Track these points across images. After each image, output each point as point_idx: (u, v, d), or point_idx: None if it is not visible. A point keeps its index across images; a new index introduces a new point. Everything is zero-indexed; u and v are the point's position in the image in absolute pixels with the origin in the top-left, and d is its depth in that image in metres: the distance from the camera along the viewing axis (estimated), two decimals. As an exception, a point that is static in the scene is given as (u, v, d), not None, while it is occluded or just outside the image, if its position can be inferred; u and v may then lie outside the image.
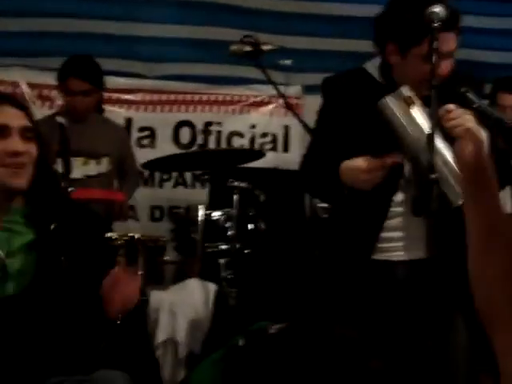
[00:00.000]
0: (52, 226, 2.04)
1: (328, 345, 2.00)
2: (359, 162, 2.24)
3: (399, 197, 2.38)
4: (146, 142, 4.88)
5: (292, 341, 1.99)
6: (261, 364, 1.96)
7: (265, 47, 3.35)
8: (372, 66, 2.42)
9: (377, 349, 2.09)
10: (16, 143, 1.98)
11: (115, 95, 4.79)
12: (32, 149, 2.02)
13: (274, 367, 1.99)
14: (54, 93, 4.66)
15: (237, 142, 4.96)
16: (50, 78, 4.65)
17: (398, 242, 2.38)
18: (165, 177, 4.88)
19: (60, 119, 3.05)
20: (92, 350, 2.09)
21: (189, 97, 4.96)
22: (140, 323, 3.54)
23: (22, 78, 4.70)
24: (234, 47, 3.40)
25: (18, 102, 2.11)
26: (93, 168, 3.74)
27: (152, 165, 3.94)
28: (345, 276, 2.37)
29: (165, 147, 4.78)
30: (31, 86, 4.71)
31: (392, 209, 2.37)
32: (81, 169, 3.66)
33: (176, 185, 4.92)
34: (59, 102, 4.54)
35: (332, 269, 2.43)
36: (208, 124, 4.97)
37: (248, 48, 3.33)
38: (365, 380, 1.99)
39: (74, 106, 3.71)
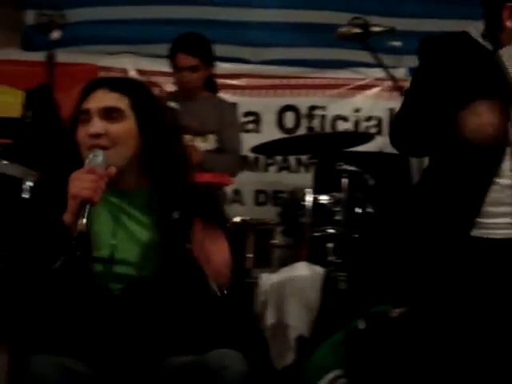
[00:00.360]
0: (176, 215, 2.05)
1: (451, 332, 1.95)
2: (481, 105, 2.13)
3: (507, 165, 2.22)
4: (250, 126, 4.91)
5: (414, 325, 1.96)
6: (383, 348, 1.95)
7: (374, 29, 3.31)
8: (475, 31, 2.36)
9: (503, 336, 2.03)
10: (93, 125, 1.98)
11: (221, 80, 4.83)
12: (114, 129, 1.99)
13: (397, 351, 1.96)
14: (163, 79, 4.76)
15: (341, 126, 4.93)
16: (159, 65, 4.76)
17: (503, 217, 2.23)
18: (269, 161, 4.91)
19: (172, 104, 3.10)
20: (205, 329, 2.12)
21: (293, 81, 4.96)
22: (248, 304, 3.59)
23: (130, 65, 4.82)
24: (342, 29, 3.39)
25: (113, 82, 2.09)
26: (199, 146, 3.78)
27: (258, 149, 3.96)
28: (440, 255, 2.21)
29: (269, 132, 4.80)
30: (140, 72, 4.81)
31: (498, 179, 2.22)
32: None
33: (280, 169, 4.94)
34: (168, 88, 4.64)
35: (428, 247, 2.25)
36: (312, 108, 4.96)
37: (357, 30, 3.31)
38: (493, 368, 1.93)
39: (182, 81, 3.75)
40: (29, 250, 1.89)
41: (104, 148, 1.97)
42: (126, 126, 2.01)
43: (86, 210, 1.83)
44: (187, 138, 3.72)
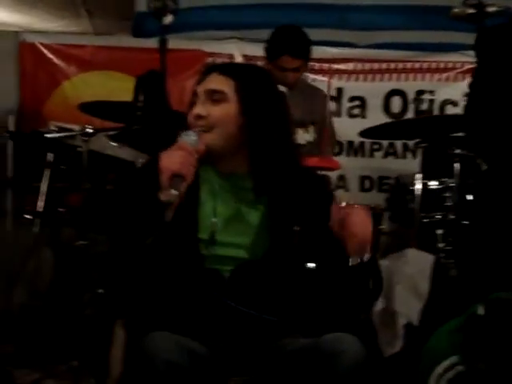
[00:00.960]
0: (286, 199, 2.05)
1: None
2: None
3: None
4: (356, 111, 4.86)
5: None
6: (504, 335, 1.88)
7: (489, 9, 3.19)
8: None
9: None
10: (197, 107, 2.04)
11: (326, 65, 4.81)
12: (215, 111, 2.02)
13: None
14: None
15: (450, 111, 4.80)
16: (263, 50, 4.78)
17: None
18: (375, 147, 4.84)
19: (282, 88, 3.08)
20: (319, 312, 2.11)
21: (400, 65, 4.87)
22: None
23: (237, 51, 4.84)
24: (456, 10, 3.27)
25: (224, 67, 2.16)
26: (301, 137, 3.76)
27: (365, 134, 3.90)
28: None
29: (375, 117, 4.74)
30: (246, 58, 4.83)
31: None
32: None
33: (386, 155, 4.86)
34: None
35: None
36: (420, 92, 4.86)
37: (471, 10, 3.19)
38: None
39: (284, 81, 3.71)
40: (125, 228, 1.94)
41: (205, 130, 2.01)
42: (227, 109, 2.03)
43: (178, 183, 1.87)
44: None
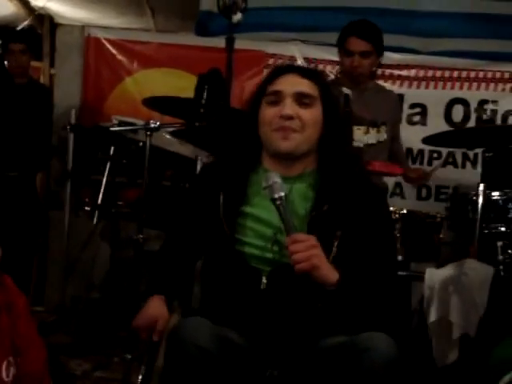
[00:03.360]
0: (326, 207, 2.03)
1: None
2: None
3: None
4: (416, 118, 4.82)
5: None
6: None
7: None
8: None
9: None
10: (286, 107, 2.03)
11: (388, 71, 4.78)
12: (305, 114, 2.04)
13: None
14: (329, 67, 4.77)
15: (513, 122, 4.73)
16: (325, 53, 4.78)
17: None
18: (434, 155, 4.79)
19: (346, 90, 3.06)
20: (357, 314, 2.08)
21: (464, 73, 4.82)
22: (405, 298, 3.51)
23: (298, 53, 4.85)
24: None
25: (304, 69, 2.15)
26: (373, 136, 3.74)
27: (426, 141, 3.83)
28: None
29: (436, 124, 4.69)
30: (307, 60, 4.82)
31: None
32: (362, 137, 3.66)
33: (445, 164, 4.80)
34: (331, 77, 4.63)
35: None
36: (483, 102, 4.80)
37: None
38: None
39: (351, 66, 3.67)
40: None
41: (294, 131, 2.02)
42: (315, 113, 2.07)
43: None
44: (362, 129, 3.69)
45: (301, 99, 2.05)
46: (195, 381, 1.76)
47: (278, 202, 1.90)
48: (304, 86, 2.07)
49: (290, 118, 2.02)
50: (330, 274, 1.92)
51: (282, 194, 1.90)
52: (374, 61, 3.74)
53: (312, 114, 2.06)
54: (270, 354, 1.96)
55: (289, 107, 2.03)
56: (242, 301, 1.99)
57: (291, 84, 2.07)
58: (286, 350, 1.97)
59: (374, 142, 3.71)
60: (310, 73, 2.13)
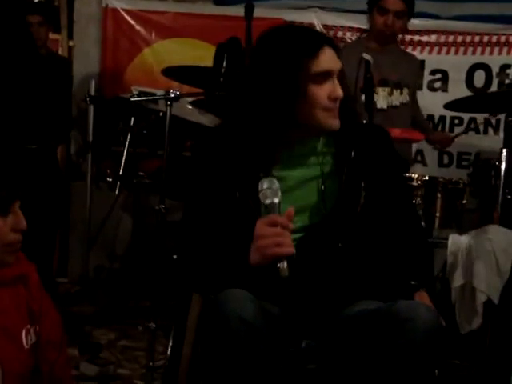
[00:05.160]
0: (352, 153, 2.04)
1: None
2: None
3: None
4: (437, 85, 4.77)
5: None
6: None
7: None
8: None
9: None
10: (337, 88, 1.99)
11: (408, 37, 4.72)
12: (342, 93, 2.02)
13: None
14: (348, 34, 4.73)
15: (536, 86, 4.66)
16: (344, 20, 4.73)
17: None
18: (456, 121, 4.75)
19: (367, 56, 3.03)
20: (392, 278, 2.08)
21: (485, 38, 4.75)
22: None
23: (317, 20, 4.79)
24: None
25: (333, 42, 2.08)
26: (396, 98, 3.72)
27: (448, 106, 3.79)
28: None
29: (457, 91, 4.63)
30: (326, 27, 4.77)
31: None
32: (386, 99, 3.66)
33: (467, 130, 4.75)
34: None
35: None
36: (505, 67, 4.73)
37: None
38: None
39: (386, 24, 3.63)
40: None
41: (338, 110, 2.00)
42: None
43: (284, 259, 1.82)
44: (386, 90, 3.68)
45: (341, 77, 2.02)
46: (242, 355, 1.73)
47: (269, 208, 1.85)
48: (339, 62, 2.03)
49: (339, 99, 2.00)
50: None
51: (276, 200, 1.85)
52: (405, 23, 3.72)
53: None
54: (306, 325, 1.95)
55: (339, 88, 1.99)
56: (274, 272, 1.94)
57: (334, 61, 2.01)
58: (322, 319, 1.96)
59: (398, 103, 3.71)
60: (337, 46, 2.07)
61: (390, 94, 3.70)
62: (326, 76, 1.98)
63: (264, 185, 1.86)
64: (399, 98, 3.73)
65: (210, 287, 1.96)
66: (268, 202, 1.84)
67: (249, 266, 1.87)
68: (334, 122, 2.00)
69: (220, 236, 1.97)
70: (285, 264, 1.80)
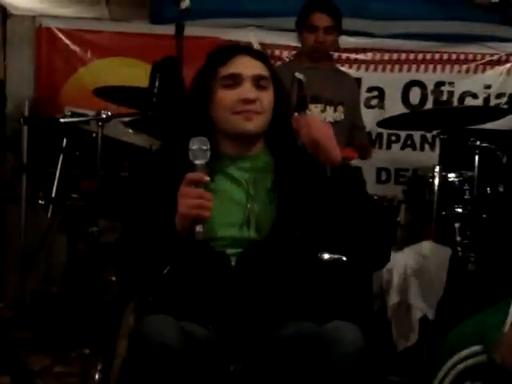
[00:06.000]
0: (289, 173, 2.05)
1: None
2: None
3: None
4: (374, 102, 4.81)
5: None
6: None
7: (514, -2, 3.13)
8: None
9: None
10: (247, 91, 2.01)
11: (345, 54, 4.77)
12: (264, 97, 2.04)
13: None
14: (285, 53, 4.74)
15: (470, 103, 4.74)
16: (281, 38, 4.75)
17: None
18: (393, 138, 4.80)
19: (299, 75, 3.04)
20: (323, 298, 2.08)
21: (420, 56, 4.82)
22: (367, 281, 3.51)
23: (254, 39, 4.80)
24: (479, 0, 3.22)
25: (254, 51, 2.13)
26: (330, 115, 3.73)
27: (383, 124, 3.84)
28: None
29: (393, 108, 4.68)
30: (263, 45, 4.78)
31: None
32: (319, 115, 3.65)
33: (404, 146, 4.81)
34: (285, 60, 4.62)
35: None
36: (439, 84, 4.81)
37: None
38: None
39: (316, 41, 3.67)
40: (139, 250, 1.94)
41: (256, 113, 2.01)
42: (271, 95, 2.08)
43: (200, 224, 1.84)
44: (318, 107, 3.68)
45: (258, 82, 2.04)
46: (161, 380, 1.72)
47: (196, 168, 1.89)
48: (260, 68, 2.06)
49: (253, 101, 2.01)
50: (335, 152, 1.96)
51: (203, 162, 1.89)
52: (335, 38, 3.75)
53: (270, 96, 2.06)
54: (235, 347, 1.93)
55: (250, 91, 2.01)
56: (209, 289, 1.96)
57: (248, 66, 2.04)
58: (251, 341, 1.94)
59: (331, 120, 3.70)
60: (261, 54, 2.12)
61: (323, 110, 3.71)
62: (234, 79, 2.02)
63: (194, 144, 1.89)
64: (333, 115, 3.74)
65: (147, 277, 1.94)
66: (197, 162, 1.88)
67: (177, 235, 1.87)
68: (247, 125, 2.01)
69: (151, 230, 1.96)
70: (201, 228, 1.84)
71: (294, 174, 2.05)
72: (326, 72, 3.77)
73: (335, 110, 3.75)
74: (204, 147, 1.89)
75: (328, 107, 3.72)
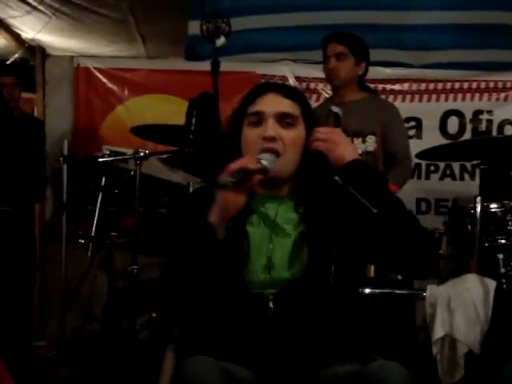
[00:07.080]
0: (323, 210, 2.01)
1: None
2: None
3: None
4: (412, 132, 4.78)
5: None
6: None
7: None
8: None
9: None
10: (269, 128, 1.98)
11: (381, 85, 4.76)
12: (288, 135, 1.99)
13: None
14: (321, 85, 4.76)
15: (509, 131, 4.70)
16: (316, 71, 4.74)
17: None
18: (432, 168, 4.76)
19: (335, 109, 3.03)
20: (366, 337, 2.04)
21: (457, 85, 4.80)
22: (410, 317, 3.45)
23: (289, 72, 4.84)
24: (515, 28, 3.19)
25: (285, 88, 2.09)
26: (358, 147, 3.68)
27: (421, 155, 3.78)
28: None
29: (432, 137, 4.66)
30: (298, 79, 4.81)
31: None
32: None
33: (443, 176, 4.77)
34: (326, 95, 4.62)
35: None
36: (477, 112, 4.77)
37: (532, 27, 3.10)
38: None
39: (328, 68, 3.69)
40: (180, 255, 1.93)
41: (275, 153, 1.97)
42: (298, 134, 2.03)
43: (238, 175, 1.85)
44: None
45: (283, 120, 2.00)
46: None
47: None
48: (286, 105, 2.02)
49: (273, 139, 1.98)
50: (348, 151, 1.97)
51: (267, 164, 1.91)
52: (351, 65, 3.70)
53: (295, 135, 2.01)
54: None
55: (271, 128, 1.98)
56: (249, 331, 1.93)
57: (273, 104, 2.02)
58: (294, 381, 1.90)
59: (360, 152, 3.63)
60: (291, 91, 2.08)
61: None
62: (258, 117, 2.00)
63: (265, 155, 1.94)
64: (361, 146, 3.69)
65: (189, 304, 1.91)
66: (263, 163, 1.92)
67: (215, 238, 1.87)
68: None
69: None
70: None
71: (324, 211, 2.00)
72: (352, 103, 3.71)
73: (364, 141, 3.70)
74: (272, 159, 1.93)
75: (355, 139, 3.67)
